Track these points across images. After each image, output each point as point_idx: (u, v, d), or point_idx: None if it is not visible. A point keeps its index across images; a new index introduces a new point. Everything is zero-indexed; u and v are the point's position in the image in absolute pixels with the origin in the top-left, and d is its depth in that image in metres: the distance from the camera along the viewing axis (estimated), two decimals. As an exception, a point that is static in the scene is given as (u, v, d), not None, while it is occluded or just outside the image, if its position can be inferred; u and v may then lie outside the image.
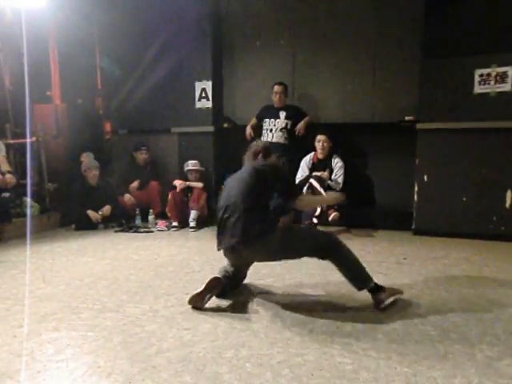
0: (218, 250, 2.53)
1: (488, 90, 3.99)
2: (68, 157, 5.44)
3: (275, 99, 4.86)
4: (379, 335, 2.09)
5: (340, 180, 4.53)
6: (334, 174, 4.55)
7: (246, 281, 2.79)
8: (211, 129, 5.15)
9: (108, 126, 5.83)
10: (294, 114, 4.83)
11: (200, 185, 4.86)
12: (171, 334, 2.12)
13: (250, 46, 5.26)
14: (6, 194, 4.25)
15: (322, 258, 2.43)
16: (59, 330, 2.18)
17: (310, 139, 4.71)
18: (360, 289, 2.41)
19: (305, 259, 2.50)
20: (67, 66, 5.60)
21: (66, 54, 5.55)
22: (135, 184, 5.18)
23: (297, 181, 4.52)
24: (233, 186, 2.53)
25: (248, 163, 2.69)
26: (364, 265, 2.42)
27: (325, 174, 4.48)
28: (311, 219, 4.28)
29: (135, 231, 4.65)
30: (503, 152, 4.01)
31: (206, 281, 2.47)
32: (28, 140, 4.82)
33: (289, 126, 4.80)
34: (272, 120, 4.84)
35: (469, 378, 1.71)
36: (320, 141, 4.58)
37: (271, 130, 4.85)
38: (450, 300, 2.55)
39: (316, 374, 1.74)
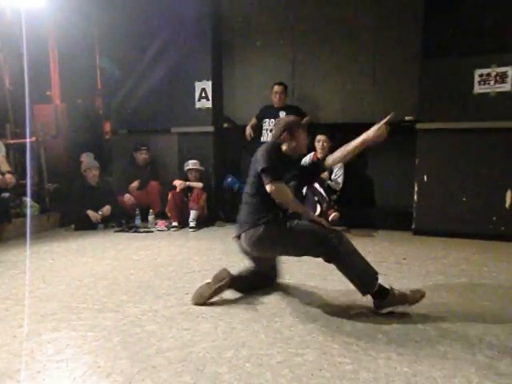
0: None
1: (488, 90, 3.99)
2: (68, 157, 5.44)
3: (275, 99, 4.86)
4: (379, 335, 2.08)
5: (340, 180, 4.54)
6: (333, 174, 4.55)
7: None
8: (211, 129, 5.14)
9: (108, 126, 5.82)
10: (294, 114, 4.81)
11: (200, 185, 4.86)
12: (171, 334, 2.12)
13: (249, 46, 5.26)
14: (6, 194, 4.24)
15: (328, 260, 2.33)
16: (59, 330, 2.18)
17: (309, 139, 4.69)
18: (364, 293, 2.32)
19: (305, 258, 2.48)
20: (67, 66, 5.60)
21: (66, 54, 5.55)
22: (135, 184, 5.18)
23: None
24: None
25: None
26: (370, 262, 2.32)
27: (324, 174, 4.47)
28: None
29: (135, 231, 4.65)
30: (503, 152, 4.01)
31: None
32: (28, 140, 4.82)
33: None
34: (272, 120, 4.83)
35: (469, 377, 1.71)
36: (320, 141, 4.57)
37: (271, 130, 4.84)
38: (450, 300, 2.55)
39: (316, 374, 1.74)
